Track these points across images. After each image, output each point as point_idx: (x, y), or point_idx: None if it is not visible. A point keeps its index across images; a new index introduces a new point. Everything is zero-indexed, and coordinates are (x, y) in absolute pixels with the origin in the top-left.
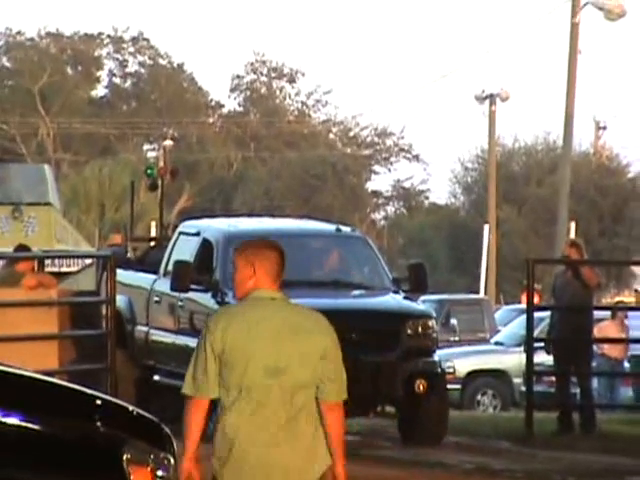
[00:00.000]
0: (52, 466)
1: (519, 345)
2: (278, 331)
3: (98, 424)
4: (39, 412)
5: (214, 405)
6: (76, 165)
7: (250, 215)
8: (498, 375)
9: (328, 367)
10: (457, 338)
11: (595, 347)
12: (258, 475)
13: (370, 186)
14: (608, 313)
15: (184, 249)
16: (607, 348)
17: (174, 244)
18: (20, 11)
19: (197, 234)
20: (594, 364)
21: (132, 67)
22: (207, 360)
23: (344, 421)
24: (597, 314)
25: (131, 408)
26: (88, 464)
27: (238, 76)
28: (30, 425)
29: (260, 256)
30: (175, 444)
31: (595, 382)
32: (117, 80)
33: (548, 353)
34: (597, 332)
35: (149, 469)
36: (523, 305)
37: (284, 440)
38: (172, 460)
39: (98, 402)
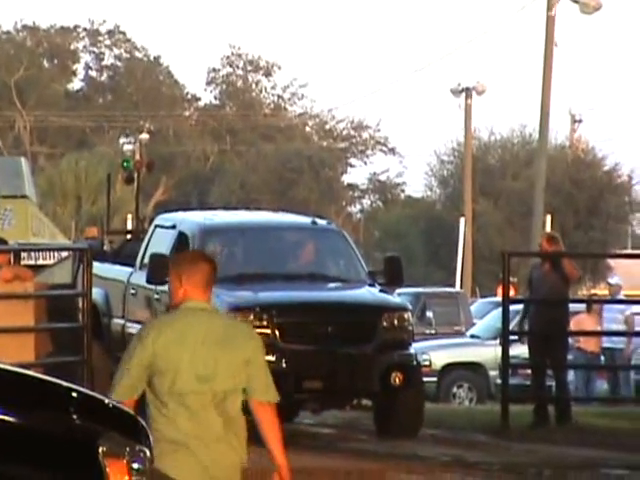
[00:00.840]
0: (27, 459)
1: (495, 338)
2: (206, 339)
3: (74, 417)
4: (14, 405)
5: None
6: (52, 158)
7: (226, 208)
8: (474, 368)
9: (255, 371)
10: (433, 331)
11: (571, 340)
12: (197, 470)
13: (346, 179)
14: (583, 306)
15: (160, 242)
16: (583, 342)
17: (150, 237)
18: None
19: (173, 227)
20: (570, 357)
21: (108, 60)
22: (134, 367)
23: (277, 418)
24: (572, 307)
25: (107, 401)
26: (64, 457)
27: (214, 69)
28: (5, 418)
29: (188, 269)
30: (151, 437)
31: (571, 375)
32: (93, 73)
33: (522, 343)
34: (573, 325)
35: (125, 461)
36: (499, 298)
37: (223, 440)
38: (148, 453)
39: (74, 395)
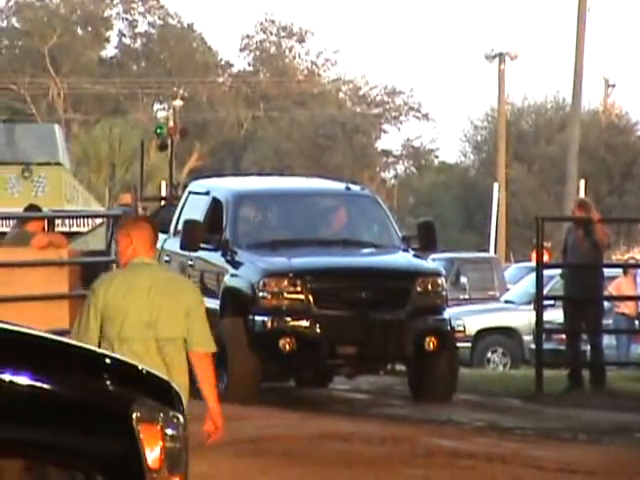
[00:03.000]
0: (61, 425)
1: (529, 303)
2: (151, 290)
3: (107, 383)
4: (48, 371)
5: None
6: (86, 125)
7: (259, 174)
8: (508, 333)
9: (194, 323)
10: (467, 296)
11: (609, 305)
12: None
13: (380, 145)
14: (619, 270)
15: (194, 208)
16: (623, 305)
17: (184, 203)
18: None
19: (207, 193)
20: (610, 322)
21: (142, 27)
22: (90, 317)
23: (212, 367)
24: (608, 271)
25: (140, 367)
26: (97, 423)
27: (247, 36)
28: (39, 384)
29: (137, 229)
30: (184, 403)
31: (612, 340)
32: (127, 40)
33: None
34: (612, 289)
35: (159, 427)
36: (533, 263)
37: None
38: (181, 419)
39: (107, 360)
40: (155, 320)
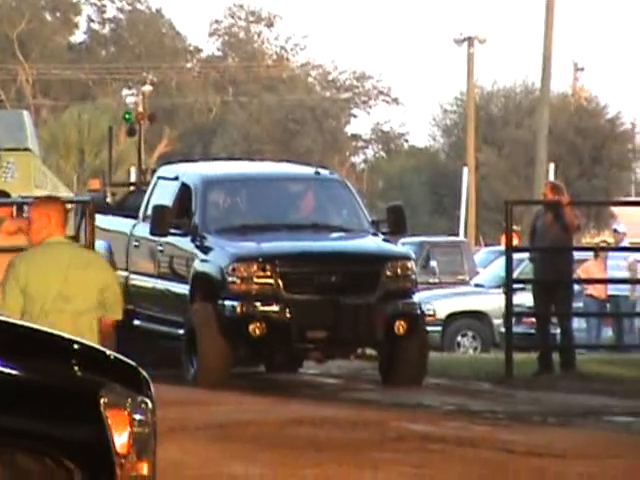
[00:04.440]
0: (29, 411)
1: (499, 287)
2: (69, 266)
3: (75, 368)
4: (16, 357)
5: None
6: (55, 111)
7: (229, 159)
8: (478, 317)
9: (110, 295)
10: (437, 280)
11: (578, 288)
12: None
13: (349, 130)
14: (589, 254)
15: (163, 194)
16: (593, 288)
17: (153, 189)
18: None
19: (176, 178)
20: (580, 305)
21: (110, 13)
22: (13, 291)
23: (114, 329)
24: (578, 255)
25: (108, 352)
26: (66, 408)
27: (216, 21)
28: (7, 370)
29: (55, 210)
30: (152, 388)
31: (582, 323)
32: (95, 26)
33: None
34: (581, 272)
35: (126, 413)
36: (502, 247)
37: None
38: (149, 404)
39: (75, 346)
40: (72, 294)
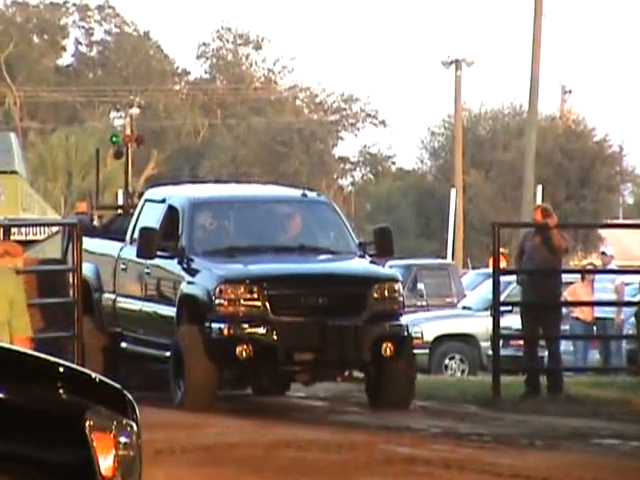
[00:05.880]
0: (14, 434)
1: (486, 309)
2: None
3: (60, 391)
4: (1, 380)
5: None
6: (43, 133)
7: (217, 182)
8: (466, 339)
9: (17, 310)
10: (424, 303)
11: (565, 311)
12: None
13: (337, 152)
14: (576, 276)
15: (150, 216)
16: (579, 311)
17: (140, 211)
18: None
19: (163, 201)
20: (566, 327)
21: (98, 35)
22: None
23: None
24: (566, 277)
25: (94, 375)
26: (50, 431)
27: (204, 43)
28: None
29: None
30: (138, 411)
31: (569, 345)
32: (83, 48)
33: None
34: (568, 295)
35: (112, 435)
36: (490, 269)
37: None
38: (135, 427)
39: (60, 369)
40: None
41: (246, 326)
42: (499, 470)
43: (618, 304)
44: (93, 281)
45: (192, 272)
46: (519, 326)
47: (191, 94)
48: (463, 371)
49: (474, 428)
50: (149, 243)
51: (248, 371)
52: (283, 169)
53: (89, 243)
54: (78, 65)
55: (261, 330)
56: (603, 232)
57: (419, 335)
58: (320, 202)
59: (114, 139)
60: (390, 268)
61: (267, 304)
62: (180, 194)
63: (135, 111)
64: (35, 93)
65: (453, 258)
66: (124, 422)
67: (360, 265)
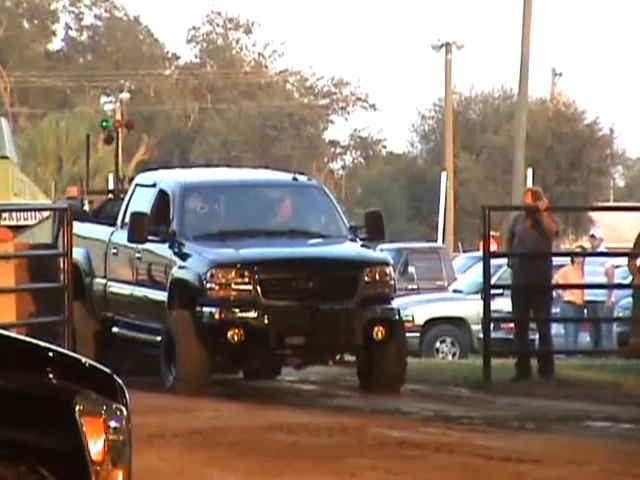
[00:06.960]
0: (3, 419)
1: (477, 292)
2: None
3: (50, 376)
4: None
5: None
6: (33, 118)
7: (207, 166)
8: (456, 323)
9: None
10: (415, 286)
11: (555, 294)
12: None
13: (327, 136)
14: (567, 259)
15: (141, 201)
16: (570, 294)
17: (131, 196)
18: None
19: (153, 185)
20: (557, 310)
21: (88, 20)
22: None
23: None
24: (556, 260)
25: (83, 360)
26: (41, 416)
27: (194, 27)
28: None
29: None
30: (128, 395)
31: (560, 328)
32: (73, 33)
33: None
34: (559, 278)
35: (101, 420)
36: (481, 252)
37: None
38: (125, 411)
39: (50, 354)
40: None
41: (237, 310)
42: (490, 453)
43: (609, 287)
44: (84, 266)
45: (183, 256)
46: (510, 309)
47: (181, 79)
48: (454, 354)
49: (465, 411)
50: (140, 227)
51: (239, 355)
52: (274, 153)
53: (80, 228)
54: (68, 50)
55: (252, 314)
56: (594, 215)
57: (410, 318)
58: (311, 186)
59: (104, 124)
60: (381, 252)
61: (258, 288)
62: (171, 178)
63: (125, 96)
64: (25, 78)
65: (444, 241)
66: (114, 406)
67: (351, 249)
